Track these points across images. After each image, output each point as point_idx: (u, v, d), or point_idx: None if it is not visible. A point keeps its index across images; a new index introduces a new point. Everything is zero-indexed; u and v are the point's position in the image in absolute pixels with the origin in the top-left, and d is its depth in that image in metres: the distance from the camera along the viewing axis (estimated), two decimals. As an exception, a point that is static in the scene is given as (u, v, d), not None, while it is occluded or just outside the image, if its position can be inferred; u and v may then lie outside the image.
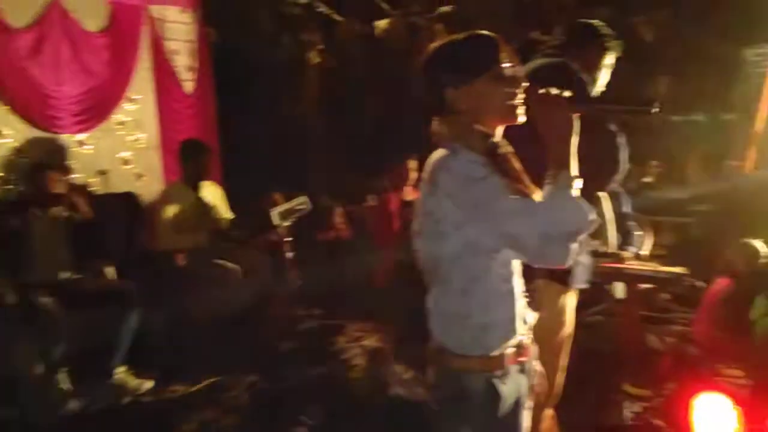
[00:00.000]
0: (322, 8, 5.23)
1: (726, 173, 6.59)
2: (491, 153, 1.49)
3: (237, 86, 5.65)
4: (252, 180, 4.84)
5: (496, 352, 1.51)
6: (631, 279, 3.76)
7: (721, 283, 3.84)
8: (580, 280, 2.31)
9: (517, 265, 1.53)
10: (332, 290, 4.39)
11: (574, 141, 1.45)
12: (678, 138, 9.47)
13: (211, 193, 4.48)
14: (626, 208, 4.06)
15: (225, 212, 4.57)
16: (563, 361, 2.41)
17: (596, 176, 2.06)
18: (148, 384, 3.68)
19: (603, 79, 2.53)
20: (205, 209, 4.31)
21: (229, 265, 4.21)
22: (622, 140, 2.29)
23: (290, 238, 4.34)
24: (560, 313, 2.29)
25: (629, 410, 3.29)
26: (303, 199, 4.35)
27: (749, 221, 5.21)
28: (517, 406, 1.57)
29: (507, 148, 1.56)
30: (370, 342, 3.98)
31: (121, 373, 3.68)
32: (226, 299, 4.00)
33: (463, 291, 1.49)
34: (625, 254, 3.70)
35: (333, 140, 6.12)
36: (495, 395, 1.51)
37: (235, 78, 5.62)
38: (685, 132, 9.52)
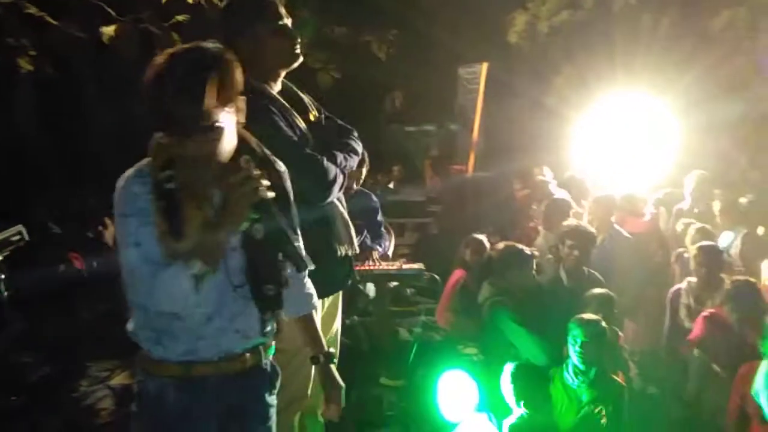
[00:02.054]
0: (32, 9, 4.57)
1: (453, 176, 7.48)
2: (159, 185, 1.46)
3: None
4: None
5: (176, 358, 1.53)
6: (380, 278, 4.04)
7: (456, 275, 4.32)
8: (322, 291, 2.31)
9: (212, 291, 1.50)
10: (68, 329, 3.86)
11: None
12: (414, 146, 10.54)
13: None
14: (378, 211, 4.35)
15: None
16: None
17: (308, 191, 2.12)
18: None
19: None
20: None
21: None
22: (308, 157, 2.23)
23: (3, 276, 3.68)
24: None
25: (387, 401, 3.49)
26: (18, 228, 3.72)
27: (474, 218, 5.99)
28: (202, 417, 1.56)
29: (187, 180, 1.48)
30: (119, 380, 3.60)
31: None
32: None
33: (139, 306, 1.54)
34: (374, 254, 3.96)
35: (56, 156, 5.44)
36: (167, 403, 1.54)
37: None
38: (420, 140, 10.64)
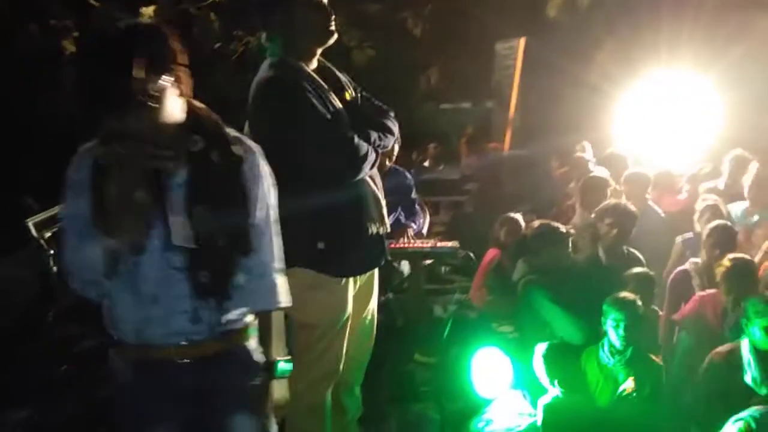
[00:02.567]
0: (72, -9, 4.69)
1: (489, 154, 7.39)
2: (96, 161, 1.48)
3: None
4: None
5: (133, 341, 1.55)
6: (414, 256, 4.05)
7: (491, 254, 4.30)
8: (355, 269, 2.31)
9: (156, 271, 1.51)
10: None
11: None
12: (450, 124, 10.43)
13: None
14: (412, 189, 4.36)
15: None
16: (364, 342, 2.47)
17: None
18: None
19: None
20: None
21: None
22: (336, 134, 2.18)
23: (51, 251, 3.83)
24: (334, 300, 2.26)
25: (421, 377, 3.53)
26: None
27: (510, 196, 5.93)
28: (159, 400, 1.57)
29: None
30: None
31: None
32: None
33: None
34: (409, 232, 3.98)
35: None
36: (126, 382, 1.58)
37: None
38: (455, 118, 10.53)
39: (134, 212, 1.43)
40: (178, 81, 1.46)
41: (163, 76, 1.41)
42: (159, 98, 1.41)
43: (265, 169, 1.61)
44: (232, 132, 1.60)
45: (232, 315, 1.59)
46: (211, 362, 1.58)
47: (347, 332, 2.33)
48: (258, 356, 1.66)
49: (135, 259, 1.49)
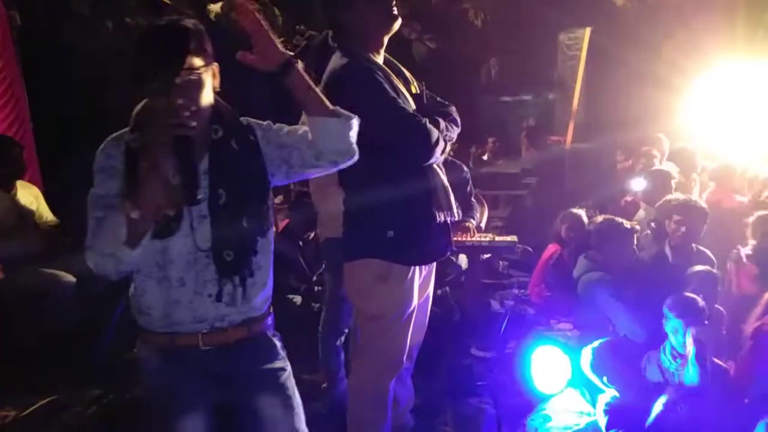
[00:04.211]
0: (146, -10, 4.89)
1: (550, 148, 7.24)
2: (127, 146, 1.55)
3: (55, 76, 5.13)
4: (75, 179, 4.40)
5: (159, 329, 1.61)
6: (472, 250, 4.03)
7: (550, 249, 4.23)
8: (424, 258, 2.31)
9: (184, 255, 1.57)
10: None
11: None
12: (511, 116, 10.28)
13: (27, 194, 4.03)
14: (469, 183, 4.32)
15: (47, 215, 4.14)
16: (417, 332, 2.49)
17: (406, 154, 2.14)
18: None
19: None
20: (21, 213, 3.86)
21: (61, 274, 3.82)
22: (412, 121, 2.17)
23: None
24: (402, 291, 2.25)
25: (477, 371, 3.51)
26: None
27: (571, 191, 5.80)
28: (186, 387, 1.64)
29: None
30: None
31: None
32: (58, 312, 3.63)
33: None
34: (469, 225, 3.95)
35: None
36: (152, 369, 1.64)
37: (54, 68, 5.09)
38: (516, 111, 10.36)
39: (165, 189, 1.47)
40: (214, 76, 1.58)
41: (202, 65, 1.52)
42: (198, 81, 1.52)
43: None
44: (247, 120, 1.69)
45: (253, 297, 1.66)
46: (233, 349, 1.65)
47: (411, 324, 2.34)
48: (278, 342, 1.74)
49: (163, 244, 1.56)
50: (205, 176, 1.58)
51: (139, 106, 1.61)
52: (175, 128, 1.45)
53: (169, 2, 4.92)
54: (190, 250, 1.58)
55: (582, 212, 4.30)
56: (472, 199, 4.32)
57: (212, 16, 5.46)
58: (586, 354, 3.06)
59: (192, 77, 1.50)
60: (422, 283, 2.39)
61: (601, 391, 3.01)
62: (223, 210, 1.58)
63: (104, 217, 1.50)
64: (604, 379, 2.97)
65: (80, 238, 1.57)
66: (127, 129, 1.60)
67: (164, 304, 1.60)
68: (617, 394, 2.94)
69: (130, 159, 1.53)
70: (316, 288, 4.47)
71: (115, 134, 1.61)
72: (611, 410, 2.90)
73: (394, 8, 2.20)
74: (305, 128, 1.67)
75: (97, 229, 1.51)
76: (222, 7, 5.32)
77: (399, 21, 2.22)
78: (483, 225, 4.40)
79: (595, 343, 3.07)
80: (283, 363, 1.74)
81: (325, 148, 1.63)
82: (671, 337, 2.80)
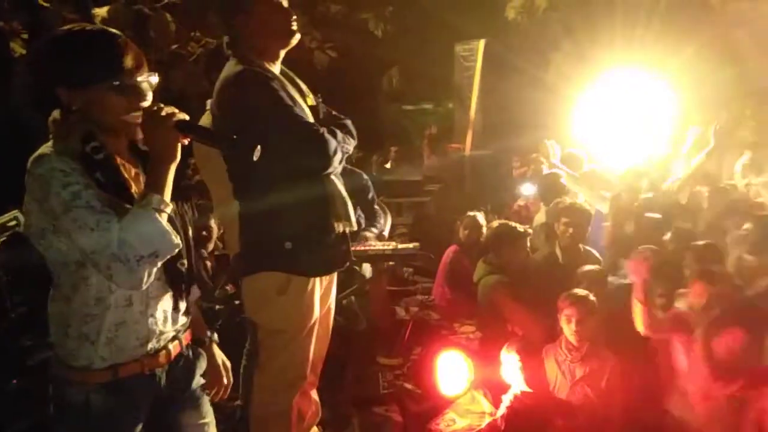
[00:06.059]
0: (19, -9, 4.56)
1: (450, 155, 7.44)
2: (87, 158, 1.41)
3: None
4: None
5: (101, 365, 1.48)
6: (376, 259, 4.03)
7: (449, 252, 4.33)
8: (324, 269, 2.30)
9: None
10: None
11: (174, 166, 1.46)
12: (412, 124, 10.47)
13: None
14: (370, 190, 4.33)
15: None
16: (320, 345, 2.44)
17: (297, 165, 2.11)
18: None
19: None
20: None
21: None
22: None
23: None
24: (302, 303, 2.23)
25: (384, 380, 3.52)
26: (14, 213, 3.68)
27: (472, 197, 5.98)
28: (130, 419, 1.55)
29: (123, 154, 1.50)
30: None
31: None
32: None
33: (66, 298, 1.46)
34: (369, 235, 3.95)
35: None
36: (93, 410, 1.48)
37: None
38: (418, 119, 10.57)
39: (159, 169, 1.44)
40: (150, 86, 1.53)
41: (141, 72, 1.47)
42: (143, 87, 1.49)
43: None
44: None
45: (188, 309, 1.64)
46: (172, 368, 1.60)
47: (314, 336, 2.31)
48: (197, 351, 1.71)
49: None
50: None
51: (58, 116, 1.47)
52: (172, 117, 1.44)
53: (47, 5, 4.60)
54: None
55: (481, 215, 4.44)
56: (375, 206, 4.34)
57: (98, 21, 5.17)
58: (503, 355, 3.11)
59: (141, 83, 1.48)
60: (323, 294, 2.36)
61: (505, 391, 3.09)
62: (171, 220, 1.51)
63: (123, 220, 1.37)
64: (518, 379, 3.05)
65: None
66: (48, 145, 1.45)
67: (111, 328, 1.49)
68: (518, 393, 3.03)
69: (102, 172, 1.41)
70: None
71: (38, 154, 1.43)
72: (512, 409, 2.99)
73: (293, 24, 2.18)
74: None
75: (124, 230, 1.36)
76: (109, 12, 5.05)
77: (297, 37, 2.21)
78: (386, 233, 4.43)
79: (508, 343, 3.13)
80: (202, 374, 1.72)
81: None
82: (565, 328, 2.93)
